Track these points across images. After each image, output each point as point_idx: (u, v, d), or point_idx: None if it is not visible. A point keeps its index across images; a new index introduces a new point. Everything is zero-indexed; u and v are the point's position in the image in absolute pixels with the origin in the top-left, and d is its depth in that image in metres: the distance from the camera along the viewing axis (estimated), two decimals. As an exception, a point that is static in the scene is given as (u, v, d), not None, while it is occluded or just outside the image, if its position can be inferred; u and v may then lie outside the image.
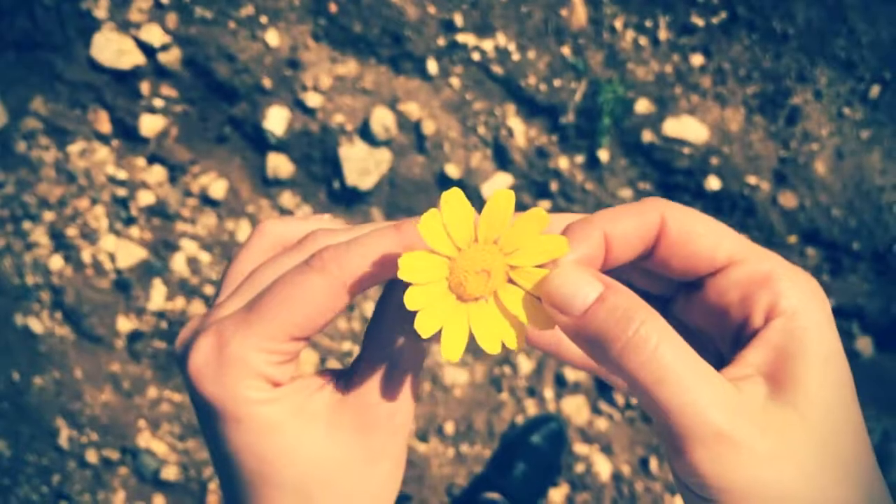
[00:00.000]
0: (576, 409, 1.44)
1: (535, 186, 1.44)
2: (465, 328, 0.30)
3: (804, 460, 0.27)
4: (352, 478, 0.32)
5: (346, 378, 0.33)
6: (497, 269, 0.30)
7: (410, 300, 0.28)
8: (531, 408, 1.44)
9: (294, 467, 0.31)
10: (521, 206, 1.45)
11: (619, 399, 1.44)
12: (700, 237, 0.31)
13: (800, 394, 0.28)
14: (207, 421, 0.31)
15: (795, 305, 0.29)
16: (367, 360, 0.32)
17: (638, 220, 0.31)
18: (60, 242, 1.47)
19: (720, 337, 0.33)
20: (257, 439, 0.30)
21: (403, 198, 1.45)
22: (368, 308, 1.47)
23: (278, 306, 0.30)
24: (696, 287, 0.33)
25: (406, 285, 0.29)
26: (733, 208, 1.43)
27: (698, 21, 1.43)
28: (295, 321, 0.30)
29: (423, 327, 0.29)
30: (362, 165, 1.42)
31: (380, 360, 0.32)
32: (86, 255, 1.47)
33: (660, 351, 0.27)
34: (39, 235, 1.47)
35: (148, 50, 1.45)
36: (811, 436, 0.28)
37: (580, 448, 1.44)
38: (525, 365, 1.45)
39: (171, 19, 1.44)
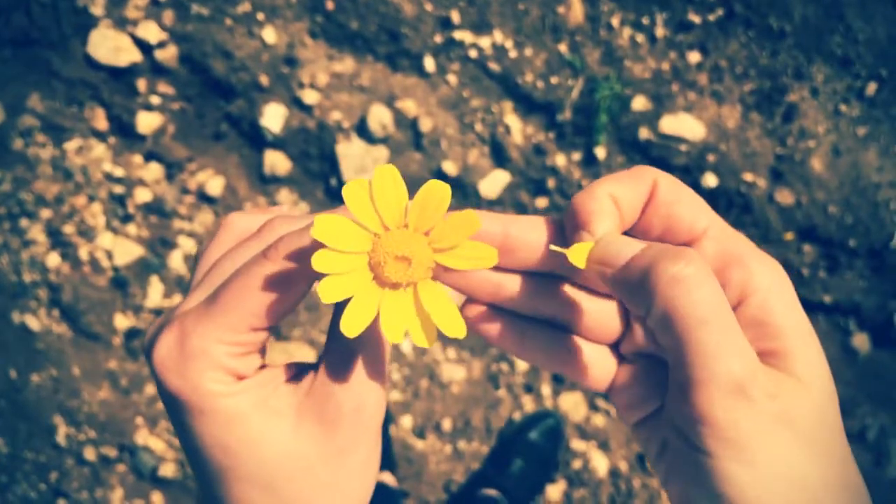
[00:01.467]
0: (573, 405, 1.44)
1: (532, 184, 1.44)
2: (372, 308, 0.29)
3: (805, 428, 0.28)
4: (319, 471, 0.31)
5: (313, 371, 0.32)
6: (420, 259, 0.30)
7: (318, 261, 0.28)
8: (528, 404, 1.45)
9: (259, 460, 0.31)
10: (518, 203, 1.46)
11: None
12: (685, 204, 0.32)
13: (794, 365, 0.29)
14: (175, 414, 0.31)
15: (768, 283, 0.30)
16: (330, 353, 0.32)
17: (636, 186, 0.32)
18: (57, 240, 1.47)
19: None
20: (222, 432, 0.30)
21: (401, 195, 1.45)
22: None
23: (236, 297, 0.30)
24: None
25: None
26: (730, 205, 1.43)
27: (695, 18, 1.43)
28: (253, 311, 0.30)
29: (325, 291, 0.28)
30: (359, 163, 1.42)
31: (343, 352, 0.31)
32: (83, 253, 1.47)
33: (707, 289, 0.27)
34: (36, 233, 1.47)
35: (144, 47, 1.44)
36: (812, 406, 0.29)
37: (577, 444, 1.44)
38: (522, 362, 1.45)
39: (168, 16, 1.44)
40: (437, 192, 0.29)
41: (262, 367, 0.33)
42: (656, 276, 0.28)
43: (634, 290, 0.29)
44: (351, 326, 0.29)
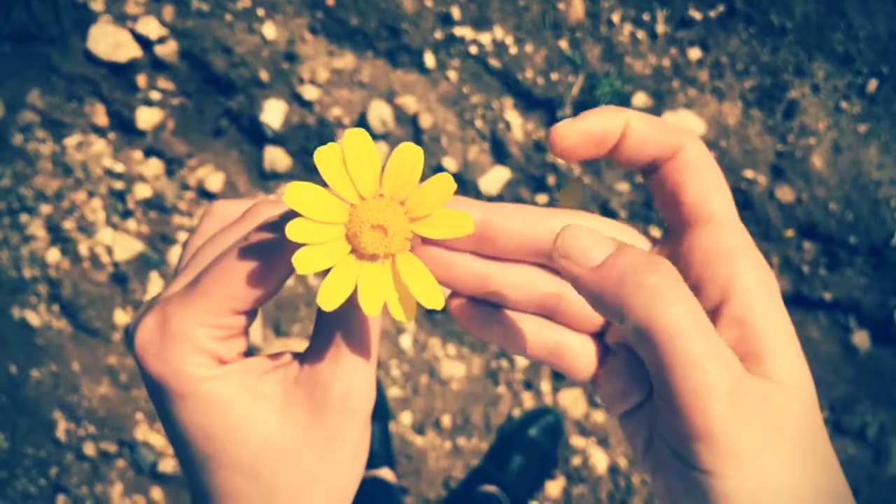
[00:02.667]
0: (572, 402, 1.44)
1: (532, 180, 1.44)
2: (350, 281, 0.29)
3: (793, 434, 0.27)
4: (304, 459, 0.31)
5: (301, 357, 0.32)
6: (396, 228, 0.29)
7: (293, 230, 0.27)
8: (528, 401, 1.45)
9: (242, 446, 0.30)
10: (518, 200, 1.46)
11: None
12: (699, 181, 0.31)
13: (776, 368, 0.28)
14: (157, 400, 0.31)
15: (752, 283, 0.29)
16: (317, 337, 0.31)
17: (662, 133, 0.31)
18: (57, 235, 1.47)
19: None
20: (203, 417, 0.30)
21: (401, 191, 1.45)
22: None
23: (217, 280, 0.30)
24: (663, 242, 0.33)
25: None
26: (730, 202, 1.43)
27: (696, 14, 1.43)
28: (235, 294, 0.30)
29: (300, 262, 0.28)
30: (359, 159, 1.42)
31: (329, 336, 0.31)
32: (83, 249, 1.47)
33: (684, 301, 0.26)
34: (36, 228, 1.47)
35: (144, 42, 1.44)
36: (797, 411, 0.28)
37: (577, 441, 1.44)
38: (522, 359, 1.45)
39: (168, 12, 1.44)
40: (410, 157, 0.29)
41: (245, 352, 0.32)
42: (631, 289, 0.27)
43: (605, 298, 0.28)
44: (328, 299, 0.28)
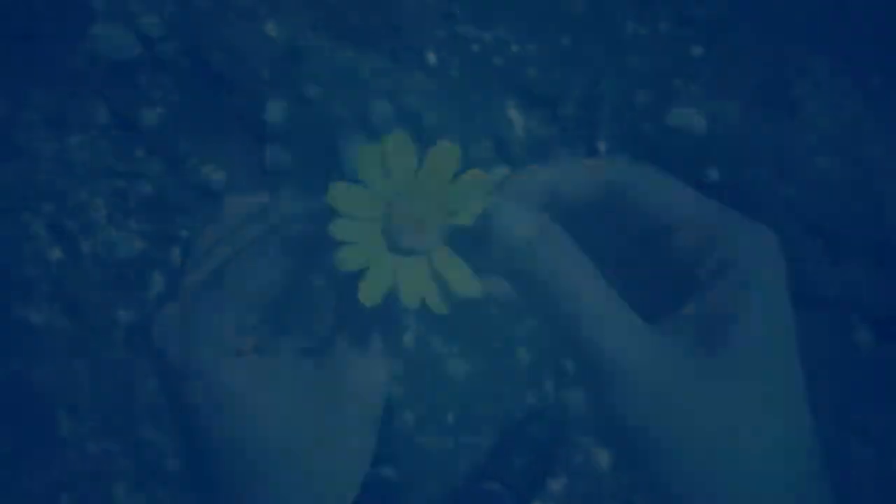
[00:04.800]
0: (576, 399, 1.45)
1: (534, 178, 1.44)
2: (388, 276, 0.30)
3: (719, 416, 0.27)
4: (316, 451, 0.31)
5: (320, 352, 0.32)
6: (432, 224, 0.30)
7: (339, 229, 0.28)
8: (531, 398, 1.45)
9: (255, 437, 0.30)
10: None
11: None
12: (650, 202, 0.31)
13: (727, 351, 0.28)
14: (170, 388, 0.31)
15: (741, 265, 0.29)
16: (342, 333, 0.32)
17: (585, 181, 0.31)
18: (59, 234, 1.47)
19: (673, 291, 0.32)
20: (217, 406, 0.30)
21: (403, 189, 1.45)
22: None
23: (243, 272, 0.30)
24: (653, 240, 0.33)
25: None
26: (733, 200, 1.43)
27: (698, 11, 1.43)
28: (258, 286, 0.30)
29: (342, 259, 0.29)
30: (361, 157, 1.42)
31: (356, 333, 0.31)
32: (85, 247, 1.47)
33: (583, 287, 0.28)
34: (38, 227, 1.47)
35: (146, 41, 1.44)
36: (732, 392, 0.28)
37: (580, 438, 1.44)
38: (525, 356, 1.45)
39: (170, 10, 1.44)
40: (446, 153, 0.30)
41: (261, 346, 0.33)
42: (533, 278, 0.28)
43: (515, 282, 0.29)
44: (370, 295, 0.29)
